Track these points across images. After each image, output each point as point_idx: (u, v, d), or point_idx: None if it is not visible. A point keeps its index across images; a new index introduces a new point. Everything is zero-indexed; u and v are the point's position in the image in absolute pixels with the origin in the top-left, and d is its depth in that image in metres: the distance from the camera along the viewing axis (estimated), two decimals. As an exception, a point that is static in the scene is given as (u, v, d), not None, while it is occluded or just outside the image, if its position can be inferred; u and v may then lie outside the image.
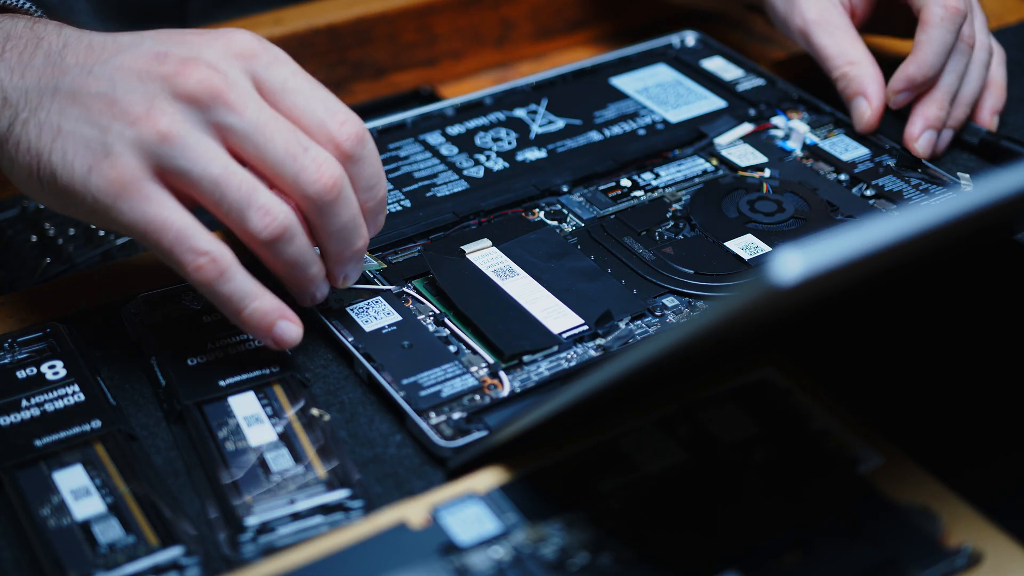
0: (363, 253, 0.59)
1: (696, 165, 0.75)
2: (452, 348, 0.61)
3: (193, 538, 0.52)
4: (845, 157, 0.75)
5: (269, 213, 0.54)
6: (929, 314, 0.65)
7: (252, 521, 0.53)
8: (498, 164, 0.74)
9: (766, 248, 0.68)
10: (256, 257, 0.57)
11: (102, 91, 0.54)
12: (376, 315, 0.63)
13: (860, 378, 0.60)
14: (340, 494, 0.54)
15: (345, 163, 0.56)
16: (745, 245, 0.68)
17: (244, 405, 0.58)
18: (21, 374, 0.59)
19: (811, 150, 0.76)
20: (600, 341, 0.62)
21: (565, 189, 0.72)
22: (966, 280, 0.66)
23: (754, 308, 0.42)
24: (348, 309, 0.63)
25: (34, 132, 0.55)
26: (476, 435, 0.56)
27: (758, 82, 0.82)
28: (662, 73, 0.83)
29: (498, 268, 0.66)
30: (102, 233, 0.77)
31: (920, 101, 0.75)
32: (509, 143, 0.76)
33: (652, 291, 0.65)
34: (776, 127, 0.78)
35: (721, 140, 0.77)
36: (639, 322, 0.63)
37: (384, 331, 0.62)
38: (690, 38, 0.87)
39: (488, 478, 0.53)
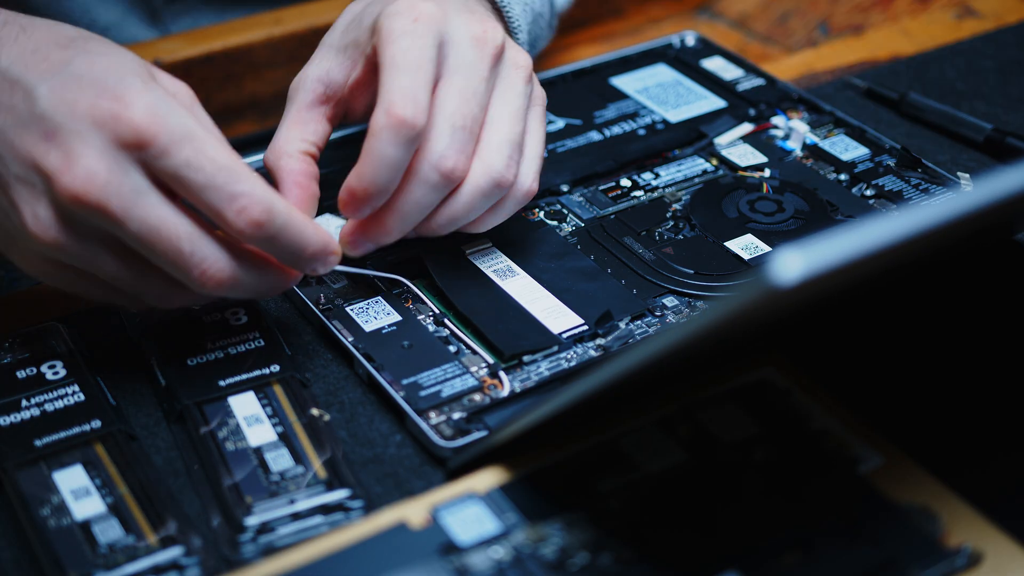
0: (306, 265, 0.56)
1: (696, 165, 0.75)
2: (452, 348, 0.61)
3: (193, 538, 0.52)
4: (845, 157, 0.75)
5: (206, 273, 0.53)
6: (929, 314, 0.65)
7: (252, 521, 0.53)
8: (498, 164, 0.74)
9: (766, 248, 0.68)
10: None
11: (10, 142, 0.52)
12: (376, 315, 0.63)
13: (860, 378, 0.60)
14: (340, 494, 0.54)
15: (259, 245, 0.54)
16: (745, 245, 0.68)
17: (244, 405, 0.58)
18: (21, 374, 0.59)
19: (811, 150, 0.76)
20: (600, 341, 0.62)
21: (565, 189, 0.72)
22: (966, 280, 0.66)
23: (754, 308, 0.42)
24: (348, 309, 0.63)
25: None
26: (476, 435, 0.56)
27: (758, 82, 0.82)
28: (662, 73, 0.83)
29: (498, 268, 0.66)
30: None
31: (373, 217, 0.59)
32: (509, 143, 0.76)
33: (652, 291, 0.65)
34: (776, 127, 0.78)
35: (721, 140, 0.77)
36: (639, 322, 0.63)
37: (384, 331, 0.62)
38: (690, 38, 0.87)
39: (488, 478, 0.53)
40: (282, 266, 0.57)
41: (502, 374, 0.59)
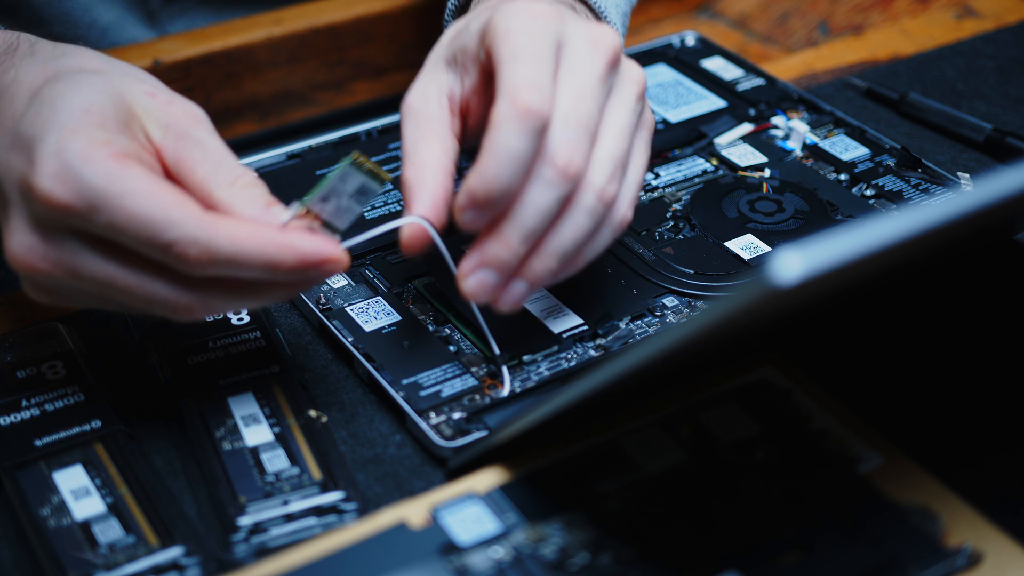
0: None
1: (696, 165, 0.75)
2: (452, 348, 0.61)
3: (193, 538, 0.52)
4: (845, 157, 0.75)
5: (175, 310, 0.52)
6: (929, 314, 0.65)
7: (245, 521, 0.53)
8: (498, 164, 0.74)
9: (766, 248, 0.68)
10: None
11: None
12: (376, 315, 0.63)
13: (860, 378, 0.60)
14: (334, 496, 0.54)
15: (227, 275, 0.51)
16: (745, 245, 0.68)
17: (242, 405, 0.58)
18: (21, 374, 0.59)
19: (811, 150, 0.76)
20: (600, 341, 0.62)
21: (565, 189, 0.72)
22: (966, 280, 0.66)
23: (754, 308, 0.42)
24: (348, 309, 0.63)
25: None
26: (476, 435, 0.56)
27: (758, 82, 0.82)
28: (662, 73, 0.83)
29: (498, 268, 0.66)
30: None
31: (485, 230, 0.54)
32: (509, 143, 0.76)
33: (652, 291, 0.65)
34: (776, 127, 0.78)
35: (721, 140, 0.77)
36: (639, 322, 0.63)
37: (384, 331, 0.62)
38: (690, 38, 0.87)
39: (488, 478, 0.53)
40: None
41: (504, 370, 0.59)
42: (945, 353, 0.62)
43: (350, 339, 0.61)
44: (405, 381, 0.59)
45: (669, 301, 0.64)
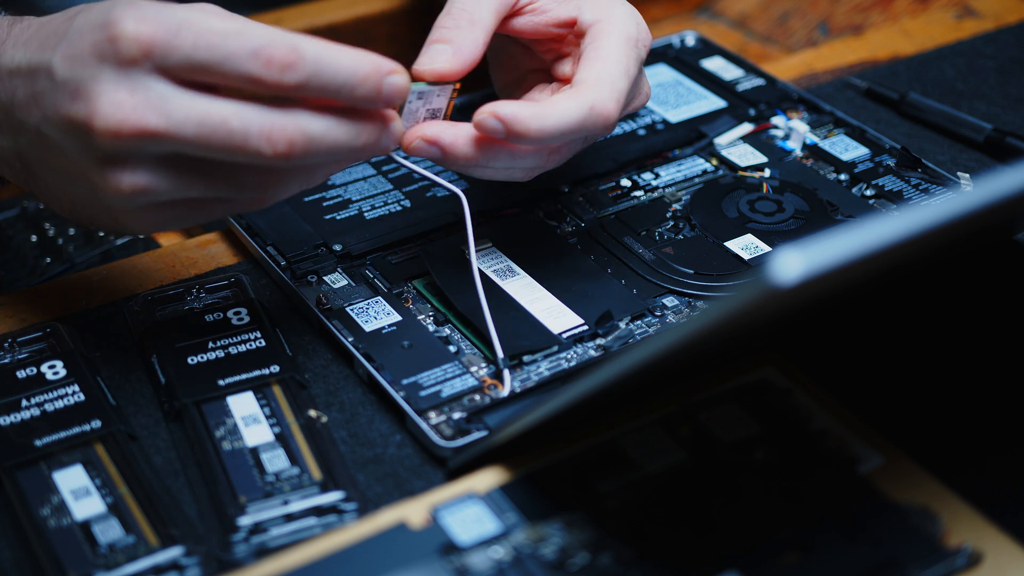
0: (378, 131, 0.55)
1: (696, 165, 0.75)
2: (452, 348, 0.61)
3: (193, 538, 0.52)
4: (845, 157, 0.75)
5: (270, 139, 0.51)
6: (929, 314, 0.65)
7: (245, 521, 0.53)
8: (498, 164, 0.74)
9: (766, 248, 0.68)
10: None
11: (51, 108, 0.53)
12: (376, 315, 0.63)
13: (860, 378, 0.60)
14: (334, 496, 0.54)
15: (308, 90, 0.52)
16: (745, 245, 0.68)
17: (242, 405, 0.58)
18: (21, 374, 0.59)
19: (811, 150, 0.76)
20: (600, 341, 0.62)
21: (565, 189, 0.72)
22: (966, 280, 0.66)
23: (754, 308, 0.42)
24: (348, 309, 0.63)
25: (35, 163, 0.56)
26: (476, 435, 0.56)
27: (758, 82, 0.82)
28: (662, 73, 0.83)
29: (498, 268, 0.66)
30: (102, 233, 0.77)
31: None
32: (509, 143, 0.76)
33: (652, 291, 0.65)
34: (776, 127, 0.78)
35: (721, 140, 0.77)
36: (639, 322, 0.63)
37: (384, 331, 0.62)
38: (690, 38, 0.87)
39: (488, 478, 0.53)
40: (358, 112, 0.54)
41: (505, 372, 0.59)
42: (945, 353, 0.62)
43: (350, 339, 0.61)
44: (405, 381, 0.59)
45: (669, 301, 0.64)
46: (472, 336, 0.62)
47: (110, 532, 0.52)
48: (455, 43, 0.60)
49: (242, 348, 0.61)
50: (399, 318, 0.63)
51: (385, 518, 0.52)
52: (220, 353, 0.60)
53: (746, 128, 0.78)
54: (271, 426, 0.57)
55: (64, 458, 0.55)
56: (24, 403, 0.58)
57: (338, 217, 0.70)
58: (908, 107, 0.81)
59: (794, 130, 0.77)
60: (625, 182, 0.73)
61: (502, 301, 0.63)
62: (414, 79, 0.58)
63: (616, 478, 0.53)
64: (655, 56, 0.85)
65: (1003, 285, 0.66)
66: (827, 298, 0.51)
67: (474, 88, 0.72)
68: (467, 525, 0.51)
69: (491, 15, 0.61)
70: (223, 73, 0.51)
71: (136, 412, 0.59)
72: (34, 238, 0.77)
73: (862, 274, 0.46)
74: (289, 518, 0.53)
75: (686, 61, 0.85)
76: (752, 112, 0.79)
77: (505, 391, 0.59)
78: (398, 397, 0.58)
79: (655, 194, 0.72)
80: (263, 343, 0.61)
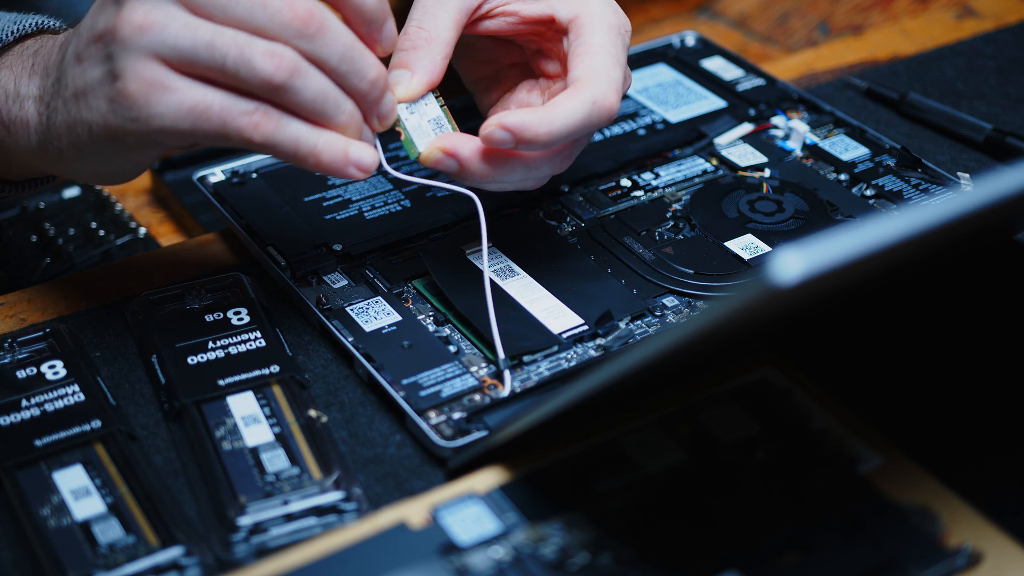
0: (374, 99, 0.57)
1: (696, 165, 0.75)
2: (452, 348, 0.61)
3: (193, 538, 0.52)
4: (845, 157, 0.75)
5: (275, 54, 0.54)
6: (929, 314, 0.65)
7: (245, 521, 0.53)
8: (498, 164, 0.74)
9: (766, 248, 0.68)
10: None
11: (84, 40, 0.56)
12: (376, 315, 0.63)
13: (860, 378, 0.60)
14: (334, 496, 0.54)
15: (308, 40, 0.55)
16: (745, 245, 0.68)
17: (242, 405, 0.58)
18: (21, 374, 0.59)
19: (811, 150, 0.76)
20: (600, 341, 0.62)
21: (565, 189, 0.72)
22: (966, 280, 0.66)
23: (754, 308, 0.42)
24: (348, 309, 0.63)
25: (62, 110, 0.56)
26: (476, 435, 0.56)
27: (758, 82, 0.82)
28: (662, 73, 0.83)
29: (498, 268, 0.66)
30: (102, 233, 0.77)
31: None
32: (509, 143, 0.76)
33: (652, 291, 0.65)
34: (776, 127, 0.78)
35: (721, 140, 0.77)
36: (639, 322, 0.63)
37: (384, 331, 0.62)
38: (690, 38, 0.87)
39: (488, 478, 0.53)
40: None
41: (506, 373, 0.59)
42: (945, 353, 0.62)
43: (350, 339, 0.61)
44: (405, 381, 0.59)
45: (669, 301, 0.64)
46: (472, 336, 0.62)
47: (110, 532, 0.52)
48: (413, 65, 0.60)
49: (242, 348, 0.61)
50: (399, 318, 0.63)
51: (385, 518, 0.52)
52: (220, 353, 0.60)
53: (746, 128, 0.78)
54: (271, 426, 0.57)
55: (64, 458, 0.55)
56: (24, 403, 0.58)
57: (338, 217, 0.70)
58: (908, 107, 0.82)
59: (794, 130, 0.77)
60: (625, 182, 0.73)
61: (502, 301, 0.63)
62: None
63: (616, 478, 0.53)
64: (655, 56, 0.85)
65: (1003, 285, 0.66)
66: (827, 298, 0.51)
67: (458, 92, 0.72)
68: (467, 525, 0.51)
69: (450, 28, 0.61)
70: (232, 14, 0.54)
71: (136, 412, 0.59)
72: (34, 238, 0.77)
73: (862, 274, 0.46)
74: (289, 518, 0.53)
75: (686, 61, 0.85)
76: (752, 112, 0.79)
77: (505, 391, 0.59)
78: (398, 397, 0.58)
79: (655, 194, 0.72)
80: (263, 343, 0.61)
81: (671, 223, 0.70)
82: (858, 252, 0.40)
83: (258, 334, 0.61)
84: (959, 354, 0.62)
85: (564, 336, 0.62)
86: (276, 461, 0.55)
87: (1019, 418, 0.59)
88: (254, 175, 0.73)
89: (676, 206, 0.71)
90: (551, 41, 0.64)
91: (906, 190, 0.72)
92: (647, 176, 0.74)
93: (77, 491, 0.54)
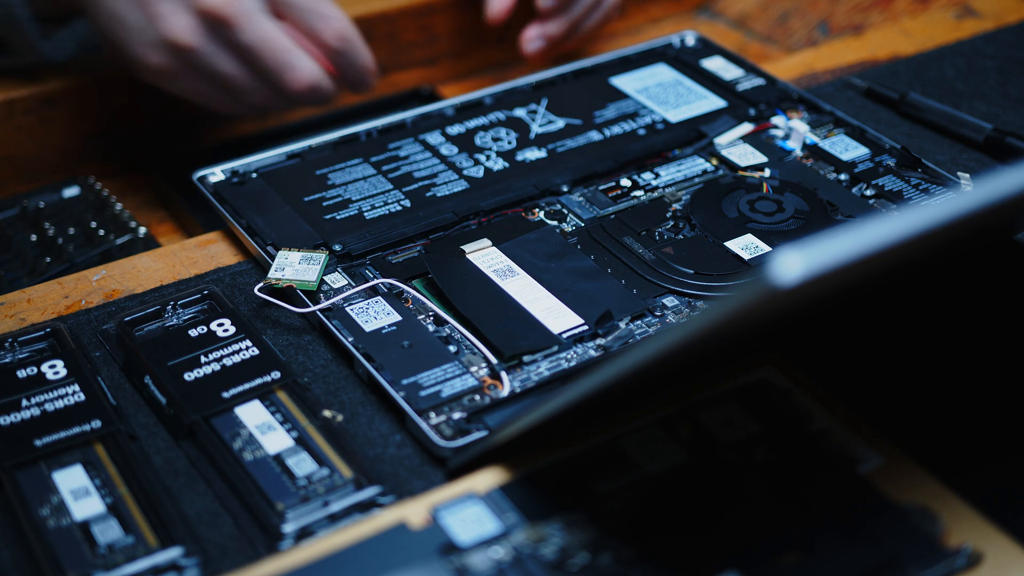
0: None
1: (696, 165, 0.75)
2: (452, 348, 0.61)
3: (192, 538, 0.52)
4: (845, 157, 0.75)
5: (298, 73, 0.73)
6: (929, 314, 0.65)
7: (289, 528, 0.52)
8: (498, 164, 0.74)
9: (766, 248, 0.68)
10: None
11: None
12: (376, 315, 0.63)
13: (860, 378, 0.60)
14: (371, 491, 0.54)
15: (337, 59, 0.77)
16: (745, 245, 0.68)
17: (252, 414, 0.58)
18: (21, 374, 0.59)
19: (811, 150, 0.76)
20: (600, 341, 0.62)
21: (565, 189, 0.72)
22: (966, 280, 0.66)
23: (754, 308, 0.42)
24: (348, 309, 0.63)
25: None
26: (476, 435, 0.56)
27: (758, 82, 0.82)
28: (662, 73, 0.83)
29: (498, 268, 0.66)
30: (102, 233, 0.77)
31: (544, 17, 0.90)
32: (509, 143, 0.76)
33: (652, 291, 0.65)
34: (776, 127, 0.78)
35: (721, 140, 0.77)
36: (639, 322, 0.63)
37: (384, 331, 0.62)
38: (690, 38, 0.87)
39: (488, 478, 0.53)
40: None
41: (502, 374, 0.59)
42: (945, 353, 0.62)
43: (350, 339, 0.61)
44: (405, 381, 0.59)
45: (669, 301, 0.64)
46: (472, 336, 0.62)
47: (109, 532, 0.52)
48: None
49: (236, 359, 0.60)
50: (399, 318, 0.63)
51: (385, 518, 0.52)
52: (216, 366, 0.60)
53: (746, 128, 0.78)
54: (287, 431, 0.57)
55: (64, 458, 0.55)
56: (24, 403, 0.58)
57: (338, 217, 0.70)
58: (908, 107, 0.81)
59: (794, 130, 0.77)
60: (625, 182, 0.73)
61: (502, 301, 0.63)
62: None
63: (616, 478, 0.53)
64: (655, 56, 0.85)
65: (1003, 285, 0.66)
66: (827, 298, 0.51)
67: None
68: (467, 525, 0.51)
69: None
70: (297, 16, 0.75)
71: (136, 412, 0.59)
72: (34, 238, 0.77)
73: (862, 274, 0.46)
74: (333, 518, 0.53)
75: (686, 61, 0.85)
76: (752, 112, 0.79)
77: (505, 391, 0.59)
78: (398, 397, 0.58)
79: (655, 194, 0.72)
80: (256, 351, 0.61)
81: (671, 223, 0.70)
82: (858, 252, 0.40)
83: (249, 343, 0.61)
84: (959, 354, 0.62)
85: (564, 336, 0.62)
86: (304, 465, 0.55)
87: (1019, 418, 0.59)
88: (254, 175, 0.73)
89: (676, 206, 0.71)
90: None
91: (906, 190, 0.72)
92: (647, 176, 0.74)
93: (77, 491, 0.54)
